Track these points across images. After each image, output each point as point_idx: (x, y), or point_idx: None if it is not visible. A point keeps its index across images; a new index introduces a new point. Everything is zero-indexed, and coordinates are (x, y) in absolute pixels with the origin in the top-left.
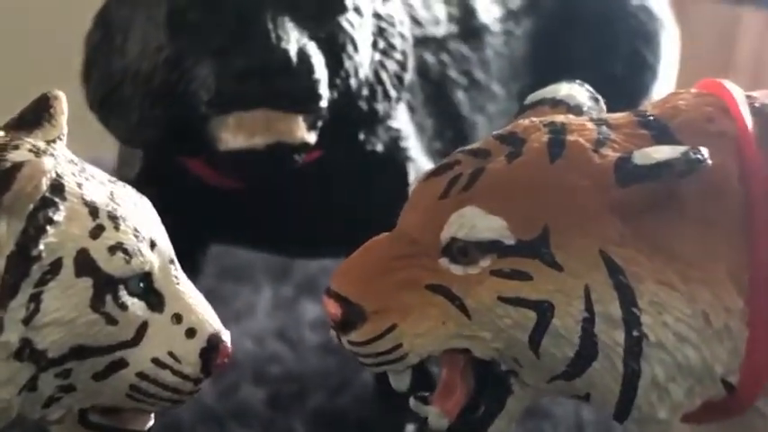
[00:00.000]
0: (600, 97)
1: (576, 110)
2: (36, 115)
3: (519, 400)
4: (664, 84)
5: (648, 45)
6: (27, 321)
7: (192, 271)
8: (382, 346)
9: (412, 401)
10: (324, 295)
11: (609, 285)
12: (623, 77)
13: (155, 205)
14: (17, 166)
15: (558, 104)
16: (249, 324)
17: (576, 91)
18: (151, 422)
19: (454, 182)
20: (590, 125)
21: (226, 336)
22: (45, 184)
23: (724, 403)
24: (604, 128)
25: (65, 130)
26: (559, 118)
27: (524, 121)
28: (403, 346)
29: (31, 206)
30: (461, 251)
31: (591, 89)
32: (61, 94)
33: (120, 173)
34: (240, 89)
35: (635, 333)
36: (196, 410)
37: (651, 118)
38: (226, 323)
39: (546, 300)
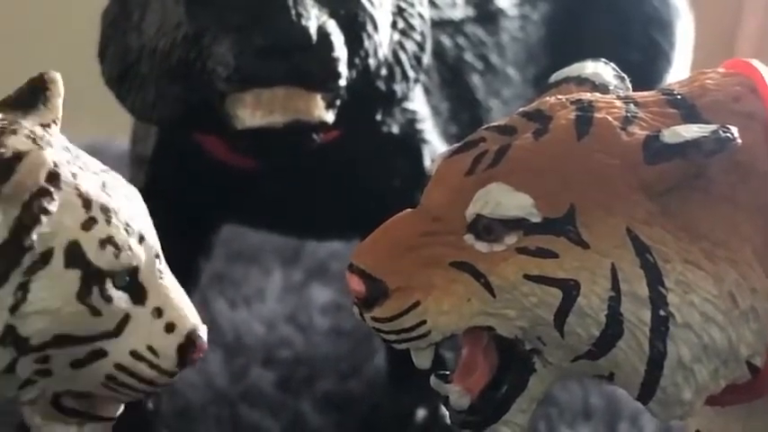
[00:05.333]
0: (625, 76)
1: (602, 88)
2: (32, 97)
3: (541, 379)
4: (678, 71)
5: (663, 32)
6: (13, 309)
7: (204, 251)
8: (405, 323)
9: (433, 380)
10: (347, 271)
11: (635, 264)
12: (638, 64)
13: (169, 183)
14: (18, 156)
15: (583, 83)
16: (259, 308)
17: (602, 69)
18: (121, 410)
19: (480, 158)
20: (618, 103)
21: (203, 331)
22: (43, 175)
23: (748, 385)
24: (632, 106)
25: (60, 114)
26: (586, 95)
27: (550, 99)
28: (426, 322)
29: (28, 196)
30: (486, 228)
31: (616, 68)
32: (57, 76)
33: (135, 150)
34: (259, 66)
35: (661, 313)
36: (206, 393)
37: (679, 97)
38: (236, 307)
39: (572, 278)
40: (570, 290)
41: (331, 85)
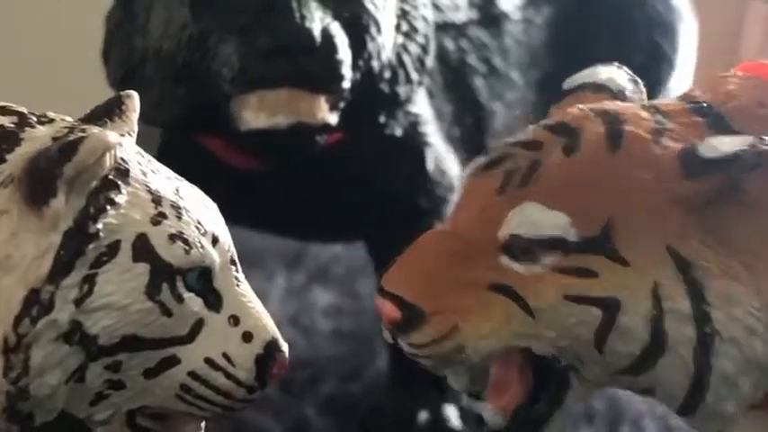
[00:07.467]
0: (638, 79)
1: (620, 95)
2: (107, 111)
3: (577, 395)
4: (680, 75)
5: (666, 36)
6: (79, 302)
7: None
8: (445, 347)
9: (465, 399)
10: (377, 296)
11: (677, 280)
12: (641, 68)
13: None
14: (81, 139)
15: (599, 89)
16: None
17: (616, 74)
18: (201, 431)
19: (510, 177)
20: (644, 114)
21: (284, 346)
22: (108, 159)
23: None
24: (659, 116)
25: (135, 128)
26: (610, 106)
27: (572, 109)
28: (466, 346)
29: (94, 184)
30: (523, 249)
31: (629, 71)
32: (134, 93)
33: None
34: (263, 68)
35: (706, 329)
36: None
37: (704, 105)
38: None
39: (612, 296)
40: (611, 308)
41: (334, 88)
